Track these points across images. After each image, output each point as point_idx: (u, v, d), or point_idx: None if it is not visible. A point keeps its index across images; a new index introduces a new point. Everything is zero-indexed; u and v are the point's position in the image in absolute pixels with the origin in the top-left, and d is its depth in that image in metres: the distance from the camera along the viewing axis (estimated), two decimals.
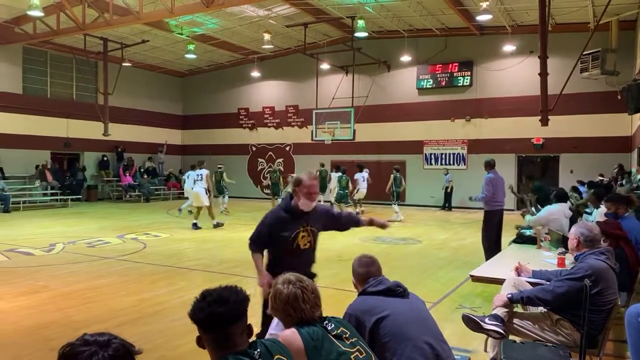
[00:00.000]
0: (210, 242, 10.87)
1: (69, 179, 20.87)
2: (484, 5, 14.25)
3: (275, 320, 2.89)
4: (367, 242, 11.18)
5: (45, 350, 4.44)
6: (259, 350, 1.85)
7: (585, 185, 13.27)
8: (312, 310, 2.27)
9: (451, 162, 20.31)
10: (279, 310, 2.28)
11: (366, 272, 2.86)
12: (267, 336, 2.80)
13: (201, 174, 13.03)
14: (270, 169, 19.80)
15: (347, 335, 2.25)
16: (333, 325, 2.27)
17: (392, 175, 15.75)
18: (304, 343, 2.13)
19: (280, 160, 23.90)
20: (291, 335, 2.17)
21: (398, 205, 15.64)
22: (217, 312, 1.81)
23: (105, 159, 22.77)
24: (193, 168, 13.72)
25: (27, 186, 19.34)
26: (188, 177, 13.70)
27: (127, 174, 22.06)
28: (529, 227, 6.99)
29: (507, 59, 18.98)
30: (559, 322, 3.46)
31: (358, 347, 2.24)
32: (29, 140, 19.69)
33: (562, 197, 6.65)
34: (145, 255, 9.17)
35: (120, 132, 22.20)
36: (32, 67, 20.40)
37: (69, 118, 21.20)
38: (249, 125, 24.90)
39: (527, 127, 17.94)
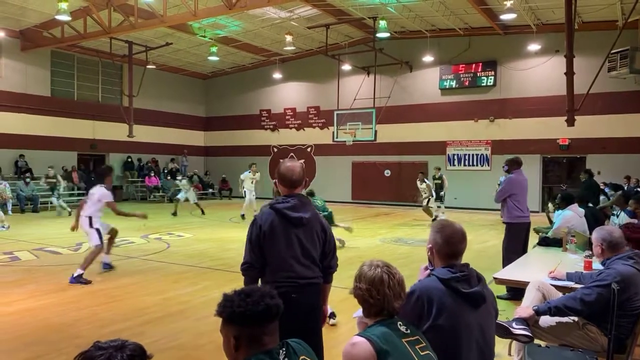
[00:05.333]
0: (232, 242, 10.94)
1: (95, 179, 21.27)
2: (508, 4, 14.06)
3: None
4: (388, 243, 11.13)
5: (71, 347, 4.52)
6: (284, 349, 1.86)
7: (608, 187, 13.00)
8: (395, 299, 2.13)
9: (474, 163, 20.08)
10: (362, 290, 2.14)
11: (452, 251, 2.46)
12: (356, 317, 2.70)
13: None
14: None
15: (421, 346, 2.08)
16: (409, 331, 2.12)
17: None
18: (376, 350, 1.98)
19: (302, 161, 23.97)
20: (360, 344, 2.01)
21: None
22: (273, 304, 1.81)
23: (129, 160, 23.16)
24: None
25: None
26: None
27: (152, 176, 22.50)
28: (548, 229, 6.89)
29: (531, 59, 18.68)
30: (586, 326, 3.38)
31: None
32: (57, 141, 20.14)
33: (568, 199, 6.50)
34: (168, 255, 9.29)
35: (145, 134, 22.55)
36: (60, 70, 20.86)
37: (95, 120, 21.62)
38: (271, 126, 25.02)
39: (553, 128, 17.63)
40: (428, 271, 2.60)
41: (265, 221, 2.96)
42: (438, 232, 2.50)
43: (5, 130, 18.68)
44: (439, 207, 15.76)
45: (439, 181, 15.89)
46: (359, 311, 2.43)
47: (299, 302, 2.86)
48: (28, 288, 6.66)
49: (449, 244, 2.46)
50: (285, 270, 2.91)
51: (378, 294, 2.10)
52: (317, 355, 2.57)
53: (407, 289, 2.32)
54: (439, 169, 16.40)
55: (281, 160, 3.39)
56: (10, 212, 16.33)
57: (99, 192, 7.55)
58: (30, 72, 19.64)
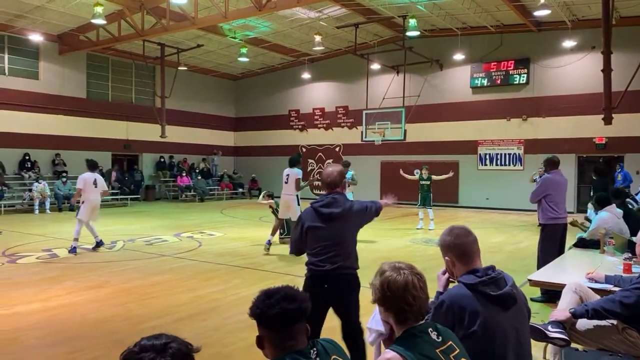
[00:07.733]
0: (263, 241, 11.02)
1: (128, 179, 21.79)
2: (542, 0, 13.75)
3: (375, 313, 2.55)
4: (418, 244, 11.04)
5: (108, 342, 4.65)
6: (316, 349, 1.85)
7: None
8: (426, 302, 2.03)
9: (507, 163, 19.72)
10: (394, 299, 1.98)
11: (462, 248, 2.40)
12: (370, 322, 2.68)
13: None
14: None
15: (455, 354, 1.96)
16: (441, 338, 1.98)
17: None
18: None
19: (330, 161, 23.97)
20: None
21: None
22: (289, 309, 1.80)
23: (162, 159, 23.61)
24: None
25: None
26: None
27: (184, 176, 22.89)
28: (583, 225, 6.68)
29: (566, 56, 18.22)
30: (625, 330, 3.27)
31: None
32: (92, 142, 20.68)
33: (603, 201, 6.30)
34: (200, 253, 9.43)
35: (176, 134, 22.94)
36: (95, 73, 21.44)
37: (129, 121, 22.14)
38: (300, 126, 25.13)
39: (588, 126, 17.17)
40: (447, 275, 2.58)
41: (306, 217, 3.68)
42: (447, 235, 2.50)
43: (43, 131, 19.31)
44: (430, 219, 13.20)
45: (427, 182, 13.14)
46: (371, 320, 2.42)
47: (331, 285, 3.47)
48: (66, 284, 6.86)
49: (457, 238, 2.44)
50: (318, 256, 3.52)
51: (414, 299, 1.98)
52: (354, 333, 3.53)
53: (432, 299, 2.25)
54: (423, 167, 13.77)
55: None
56: (48, 211, 16.89)
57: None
58: (67, 74, 20.24)
